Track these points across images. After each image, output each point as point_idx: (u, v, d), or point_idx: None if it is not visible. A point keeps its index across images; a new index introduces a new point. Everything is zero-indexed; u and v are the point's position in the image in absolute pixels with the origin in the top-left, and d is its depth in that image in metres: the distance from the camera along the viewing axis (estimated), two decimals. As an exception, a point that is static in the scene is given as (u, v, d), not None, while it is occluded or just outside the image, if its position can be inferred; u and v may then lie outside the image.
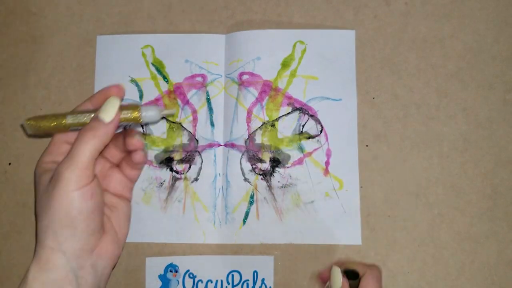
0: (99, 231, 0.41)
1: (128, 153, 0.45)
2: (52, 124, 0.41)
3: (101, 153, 0.42)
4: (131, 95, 0.62)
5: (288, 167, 0.61)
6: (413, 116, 0.61)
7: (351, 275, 0.48)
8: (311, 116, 0.61)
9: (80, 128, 0.41)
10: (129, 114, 0.42)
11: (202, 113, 0.62)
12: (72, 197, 0.38)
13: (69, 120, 0.41)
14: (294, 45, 0.62)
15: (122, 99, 0.43)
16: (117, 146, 0.45)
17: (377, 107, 0.61)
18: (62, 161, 0.39)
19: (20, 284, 0.39)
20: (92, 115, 0.41)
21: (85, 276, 0.39)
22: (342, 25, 0.62)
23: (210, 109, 0.62)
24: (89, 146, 0.39)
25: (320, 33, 0.62)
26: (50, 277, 0.37)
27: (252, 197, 0.60)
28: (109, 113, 0.41)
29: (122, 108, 0.43)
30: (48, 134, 0.43)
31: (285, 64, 0.62)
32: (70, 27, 0.64)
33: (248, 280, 0.59)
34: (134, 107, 0.43)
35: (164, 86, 0.62)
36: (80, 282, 0.39)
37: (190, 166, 0.61)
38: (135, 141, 0.43)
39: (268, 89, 0.62)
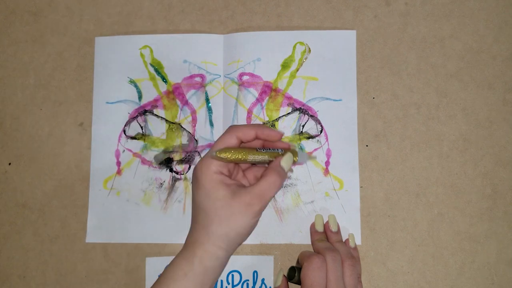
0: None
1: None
2: (237, 157, 0.49)
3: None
4: (130, 96, 0.62)
5: (288, 167, 0.61)
6: (413, 116, 0.61)
7: (292, 272, 0.54)
8: (311, 116, 0.61)
9: (255, 162, 0.51)
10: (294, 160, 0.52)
11: (201, 113, 0.62)
12: (252, 223, 0.49)
13: (250, 158, 0.50)
14: (294, 47, 0.62)
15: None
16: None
17: (377, 107, 0.61)
18: (253, 194, 0.48)
19: (178, 264, 0.48)
20: (265, 157, 0.51)
21: (226, 264, 0.51)
22: (342, 26, 0.62)
23: (209, 109, 0.62)
24: (275, 191, 0.49)
25: (320, 34, 0.62)
26: (212, 263, 0.48)
27: (252, 197, 0.60)
28: (288, 165, 0.51)
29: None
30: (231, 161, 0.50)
31: (285, 66, 0.62)
32: (70, 27, 0.64)
33: (248, 280, 0.59)
34: (295, 152, 0.52)
35: (163, 87, 0.62)
36: (223, 267, 0.50)
37: (190, 166, 0.61)
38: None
39: (268, 90, 0.62)
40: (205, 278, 0.49)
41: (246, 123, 0.61)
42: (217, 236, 0.48)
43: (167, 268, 0.49)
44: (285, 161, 0.51)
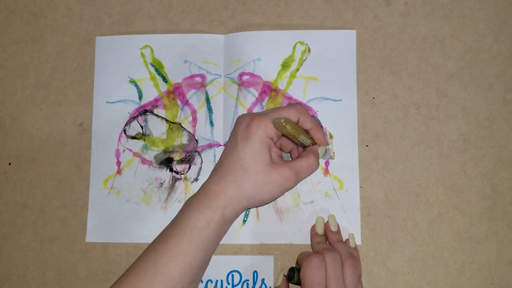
0: None
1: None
2: (293, 132, 0.52)
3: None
4: (130, 96, 0.62)
5: (288, 167, 0.61)
6: (413, 116, 0.61)
7: (291, 272, 0.54)
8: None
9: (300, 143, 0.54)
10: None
11: (202, 113, 0.62)
12: (278, 195, 0.53)
13: (300, 138, 0.53)
14: (294, 46, 0.62)
15: None
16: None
17: (377, 107, 0.61)
18: (291, 170, 0.52)
19: (201, 212, 0.51)
20: (310, 142, 0.55)
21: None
22: (342, 25, 0.62)
23: (210, 109, 0.62)
24: (309, 173, 0.53)
25: (320, 34, 0.62)
26: (232, 217, 0.52)
27: (252, 197, 0.60)
28: (321, 153, 0.55)
29: None
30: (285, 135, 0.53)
31: (285, 65, 0.62)
32: (70, 27, 0.64)
33: (248, 280, 0.59)
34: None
35: (163, 87, 0.62)
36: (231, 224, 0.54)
37: (190, 166, 0.61)
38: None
39: (268, 90, 0.62)
40: (223, 228, 0.52)
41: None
42: (246, 196, 0.51)
43: (189, 213, 0.51)
44: (321, 150, 0.55)
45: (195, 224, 0.50)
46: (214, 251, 0.53)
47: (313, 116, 0.60)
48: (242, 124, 0.52)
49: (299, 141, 0.53)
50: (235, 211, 0.52)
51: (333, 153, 0.60)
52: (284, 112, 0.52)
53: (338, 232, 0.58)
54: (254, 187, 0.51)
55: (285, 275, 0.56)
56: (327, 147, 0.58)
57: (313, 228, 0.59)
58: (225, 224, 0.52)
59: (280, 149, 0.58)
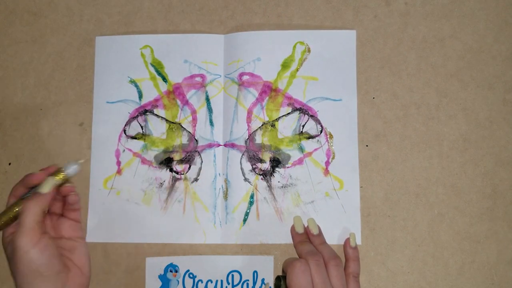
0: (64, 270, 0.49)
1: (64, 199, 0.54)
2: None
3: (48, 211, 0.52)
4: (131, 96, 0.62)
5: (288, 167, 0.61)
6: (413, 116, 0.61)
7: (278, 280, 0.54)
8: (311, 116, 0.61)
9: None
10: (57, 179, 0.51)
11: (202, 113, 0.62)
12: (31, 254, 0.47)
13: (16, 212, 0.50)
14: (294, 46, 0.62)
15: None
16: (57, 200, 0.53)
17: (377, 107, 0.61)
18: (15, 232, 0.47)
19: None
20: (11, 213, 0.50)
21: None
22: (342, 25, 0.62)
23: (210, 109, 0.62)
24: (32, 213, 0.48)
25: (320, 34, 0.62)
26: None
27: (252, 197, 0.60)
28: (47, 187, 0.50)
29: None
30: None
31: (285, 65, 0.62)
32: (70, 27, 0.64)
33: (248, 280, 0.59)
34: (58, 170, 0.52)
35: (163, 87, 0.62)
36: None
37: (190, 166, 0.61)
38: (66, 188, 0.52)
39: (268, 90, 0.62)
40: None
41: (246, 124, 0.61)
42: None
43: None
44: (40, 187, 0.50)
45: None
46: None
47: None
48: None
49: (13, 217, 0.50)
50: None
51: (80, 163, 0.53)
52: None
53: (320, 234, 0.57)
54: (18, 274, 0.48)
55: (270, 287, 0.57)
56: (62, 167, 0.52)
57: (292, 228, 0.58)
58: None
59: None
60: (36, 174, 0.51)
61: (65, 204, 0.54)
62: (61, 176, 0.51)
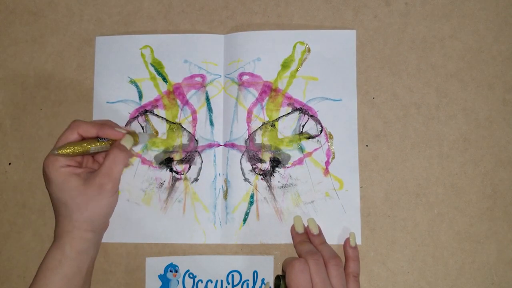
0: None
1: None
2: (78, 151, 0.54)
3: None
4: (131, 96, 0.62)
5: (288, 167, 0.61)
6: (413, 116, 0.61)
7: (277, 280, 0.54)
8: (311, 116, 0.61)
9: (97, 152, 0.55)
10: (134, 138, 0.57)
11: (202, 113, 0.62)
12: (110, 200, 0.55)
13: (92, 149, 0.54)
14: (294, 46, 0.62)
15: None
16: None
17: (377, 107, 0.61)
18: (101, 175, 0.53)
19: (50, 254, 0.53)
20: (107, 145, 0.55)
21: (100, 241, 0.57)
22: (342, 25, 0.62)
23: (210, 109, 0.62)
24: (122, 164, 0.54)
25: (320, 33, 0.62)
26: (84, 246, 0.54)
27: (252, 197, 0.60)
28: (129, 144, 0.55)
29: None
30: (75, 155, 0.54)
31: (285, 65, 0.62)
32: (70, 27, 0.64)
33: (248, 280, 0.59)
34: (135, 134, 0.57)
35: (164, 87, 0.62)
36: (97, 247, 0.56)
37: (190, 166, 0.61)
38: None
39: (268, 90, 0.62)
40: (80, 261, 0.53)
41: (246, 124, 0.61)
42: (80, 222, 0.53)
43: (44, 260, 0.54)
44: (124, 140, 0.55)
45: (47, 267, 0.53)
46: (89, 283, 0.56)
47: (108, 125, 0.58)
48: (44, 169, 0.54)
49: (95, 152, 0.55)
50: (84, 239, 0.54)
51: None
52: (63, 138, 0.54)
53: (320, 234, 0.58)
54: (80, 211, 0.53)
55: (270, 287, 0.57)
56: (136, 133, 0.58)
57: (292, 228, 0.59)
58: (82, 256, 0.53)
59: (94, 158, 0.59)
60: (115, 130, 0.55)
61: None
62: (136, 139, 0.57)
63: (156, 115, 0.62)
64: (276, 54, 0.62)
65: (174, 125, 0.62)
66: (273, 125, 0.61)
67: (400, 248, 0.59)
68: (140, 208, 0.61)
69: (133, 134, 0.56)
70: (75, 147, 0.53)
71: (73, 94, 0.63)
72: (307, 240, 0.57)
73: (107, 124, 0.56)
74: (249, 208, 0.60)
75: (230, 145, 0.61)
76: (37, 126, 0.63)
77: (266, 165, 0.61)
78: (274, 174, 0.60)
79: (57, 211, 0.55)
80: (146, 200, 0.61)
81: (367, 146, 0.60)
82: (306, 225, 0.58)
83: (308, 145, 0.61)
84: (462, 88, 0.61)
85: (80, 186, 0.53)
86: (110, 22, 0.64)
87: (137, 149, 0.61)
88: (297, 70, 0.62)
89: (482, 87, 0.61)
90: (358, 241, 0.59)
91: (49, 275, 0.52)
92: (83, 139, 0.55)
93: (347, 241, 0.57)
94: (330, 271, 0.53)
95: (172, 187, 0.61)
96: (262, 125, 0.61)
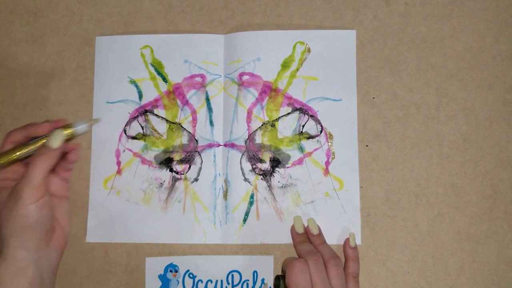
0: (51, 229, 0.51)
1: (63, 157, 0.54)
2: (3, 161, 0.50)
3: None
4: (131, 96, 0.62)
5: (288, 167, 0.61)
6: (413, 116, 0.61)
7: (277, 280, 0.54)
8: (311, 116, 0.61)
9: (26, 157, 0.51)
10: (66, 133, 0.51)
11: (202, 113, 0.62)
12: (31, 209, 0.47)
13: (17, 155, 0.50)
14: (294, 46, 0.62)
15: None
16: None
17: (377, 107, 0.61)
18: (20, 181, 0.48)
19: None
20: (34, 147, 0.50)
21: (42, 263, 0.50)
22: (342, 25, 0.62)
23: (210, 109, 0.62)
24: (42, 168, 0.48)
25: (320, 33, 0.62)
26: (17, 266, 0.47)
27: (252, 197, 0.60)
28: (57, 141, 0.50)
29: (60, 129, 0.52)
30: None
31: (285, 65, 0.62)
32: (70, 27, 0.64)
33: (248, 280, 0.59)
34: (67, 125, 0.52)
35: (164, 87, 0.62)
36: (39, 268, 0.49)
37: (190, 166, 0.61)
38: (69, 146, 0.53)
39: (268, 90, 0.62)
40: (17, 283, 0.47)
41: (246, 124, 0.61)
42: (8, 239, 0.48)
43: None
44: (50, 139, 0.50)
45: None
46: None
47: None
48: None
49: (23, 158, 0.50)
50: (16, 259, 0.48)
51: (94, 121, 0.55)
52: None
53: (320, 234, 0.58)
54: (6, 224, 0.48)
55: (270, 287, 0.57)
56: (70, 124, 0.52)
57: (292, 228, 0.59)
58: (16, 278, 0.47)
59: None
60: (42, 125, 0.51)
61: (61, 162, 0.53)
62: (70, 131, 0.51)
63: (156, 115, 0.62)
64: (276, 54, 0.62)
65: (174, 125, 0.62)
66: (273, 125, 0.61)
67: (400, 248, 0.59)
68: (140, 208, 0.61)
69: (66, 127, 0.51)
70: (2, 157, 0.50)
71: (73, 94, 0.63)
72: (307, 240, 0.57)
73: (33, 123, 0.52)
74: (249, 208, 0.60)
75: (230, 145, 0.61)
76: (37, 126, 0.63)
77: (266, 165, 0.61)
78: (274, 174, 0.61)
79: None
80: (146, 200, 0.61)
81: (367, 146, 0.61)
82: (306, 225, 0.58)
83: (308, 145, 0.61)
84: (462, 88, 0.61)
85: (5, 199, 0.48)
86: (110, 22, 0.64)
87: (137, 148, 0.61)
88: (297, 70, 0.62)
89: (482, 87, 0.61)
90: (358, 241, 0.59)
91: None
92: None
93: (346, 241, 0.57)
94: (330, 271, 0.53)
95: (172, 187, 0.61)
96: (262, 125, 0.61)
